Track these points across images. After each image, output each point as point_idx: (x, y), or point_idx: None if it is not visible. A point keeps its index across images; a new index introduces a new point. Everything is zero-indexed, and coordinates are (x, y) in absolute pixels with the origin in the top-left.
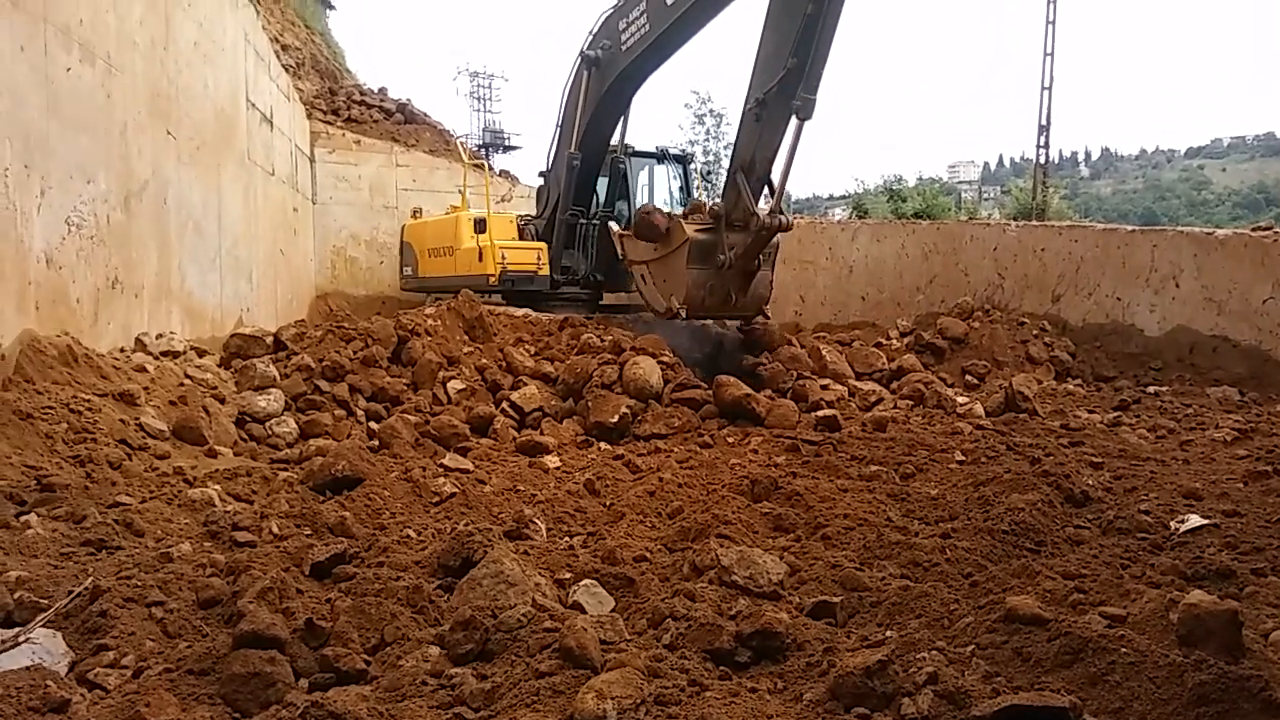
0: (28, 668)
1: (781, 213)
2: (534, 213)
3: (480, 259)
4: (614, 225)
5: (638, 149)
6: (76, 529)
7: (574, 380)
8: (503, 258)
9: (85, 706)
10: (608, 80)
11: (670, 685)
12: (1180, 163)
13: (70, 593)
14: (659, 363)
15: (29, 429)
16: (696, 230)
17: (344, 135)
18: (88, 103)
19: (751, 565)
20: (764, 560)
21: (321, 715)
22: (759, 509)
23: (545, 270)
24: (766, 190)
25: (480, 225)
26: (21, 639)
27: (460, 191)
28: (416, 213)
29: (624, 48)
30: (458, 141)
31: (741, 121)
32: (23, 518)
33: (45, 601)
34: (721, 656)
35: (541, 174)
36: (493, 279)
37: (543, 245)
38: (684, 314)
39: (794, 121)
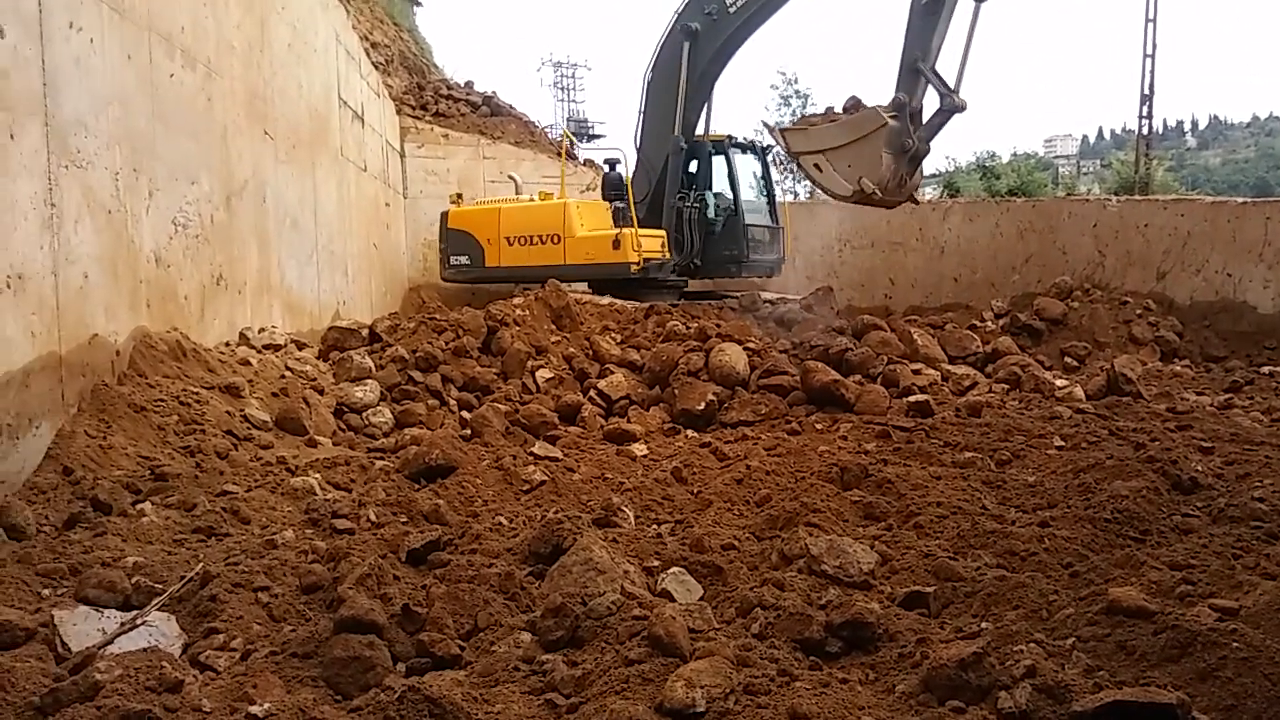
0: (145, 649)
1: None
2: (597, 199)
3: (617, 246)
4: (767, 122)
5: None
6: (188, 517)
7: (660, 368)
8: (639, 245)
9: (197, 687)
10: (707, 52)
11: (760, 675)
12: None
13: (183, 578)
14: (745, 349)
15: (143, 421)
16: (890, 116)
17: (432, 129)
18: (190, 107)
19: (841, 554)
20: (854, 549)
21: (418, 699)
22: (849, 497)
23: (669, 257)
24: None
25: (619, 214)
26: (139, 621)
27: (512, 179)
28: (457, 199)
29: (731, 9)
30: (562, 130)
31: (911, 16)
32: (138, 506)
33: (160, 586)
34: (811, 646)
35: (608, 162)
36: (635, 267)
37: (663, 232)
38: (878, 194)
39: (972, 5)
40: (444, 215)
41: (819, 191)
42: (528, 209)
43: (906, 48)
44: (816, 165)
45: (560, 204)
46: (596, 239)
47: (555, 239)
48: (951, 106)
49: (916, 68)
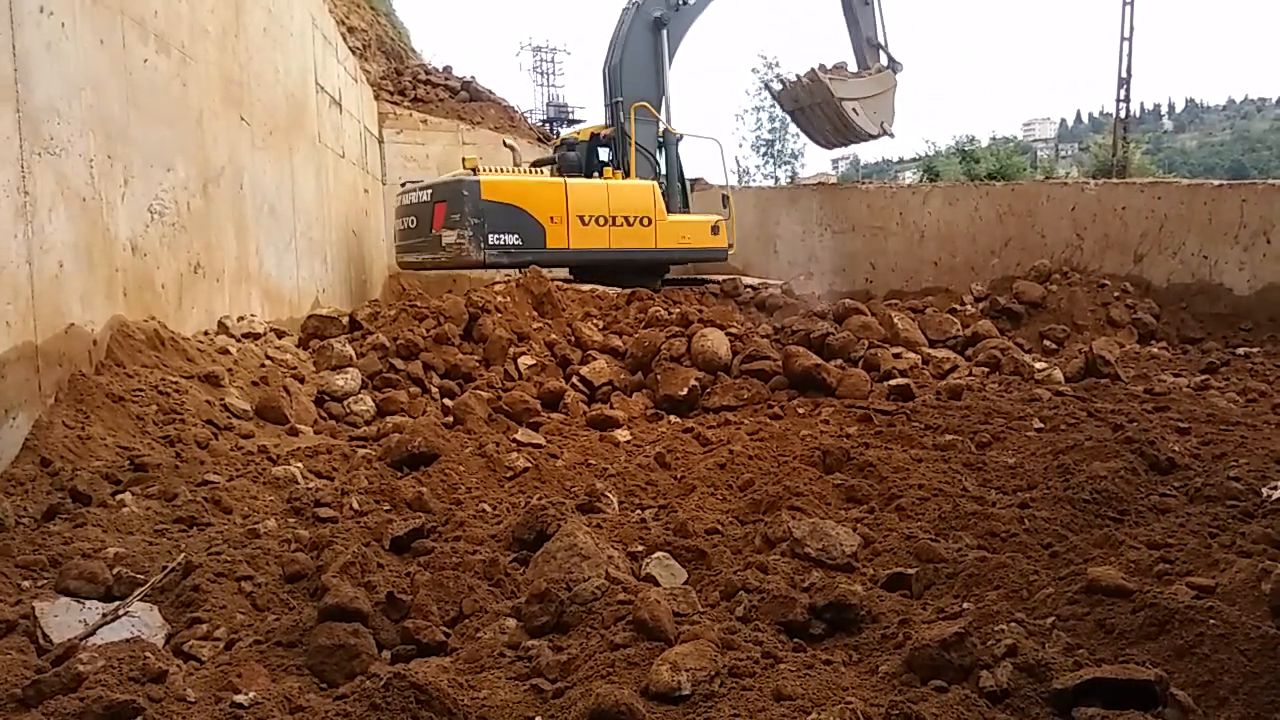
0: (128, 640)
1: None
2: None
3: (716, 232)
4: (814, 67)
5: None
6: (168, 507)
7: (642, 353)
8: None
9: (182, 677)
10: (675, 40)
11: (744, 657)
12: (1271, 111)
13: (165, 568)
14: (727, 334)
15: (121, 411)
16: None
17: (411, 115)
18: (164, 93)
19: (824, 537)
20: (837, 532)
21: (404, 686)
22: (831, 480)
23: None
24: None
25: (725, 200)
26: (121, 612)
27: (510, 148)
28: (475, 166)
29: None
30: (635, 105)
31: (852, 7)
32: (118, 496)
33: (142, 577)
34: (795, 629)
35: (565, 143)
36: (732, 251)
37: None
38: (893, 134)
39: None
40: (470, 185)
41: (800, 175)
42: (607, 187)
43: (858, 30)
44: (855, 109)
45: (649, 185)
46: (694, 224)
47: (646, 221)
48: (899, 69)
49: (875, 44)
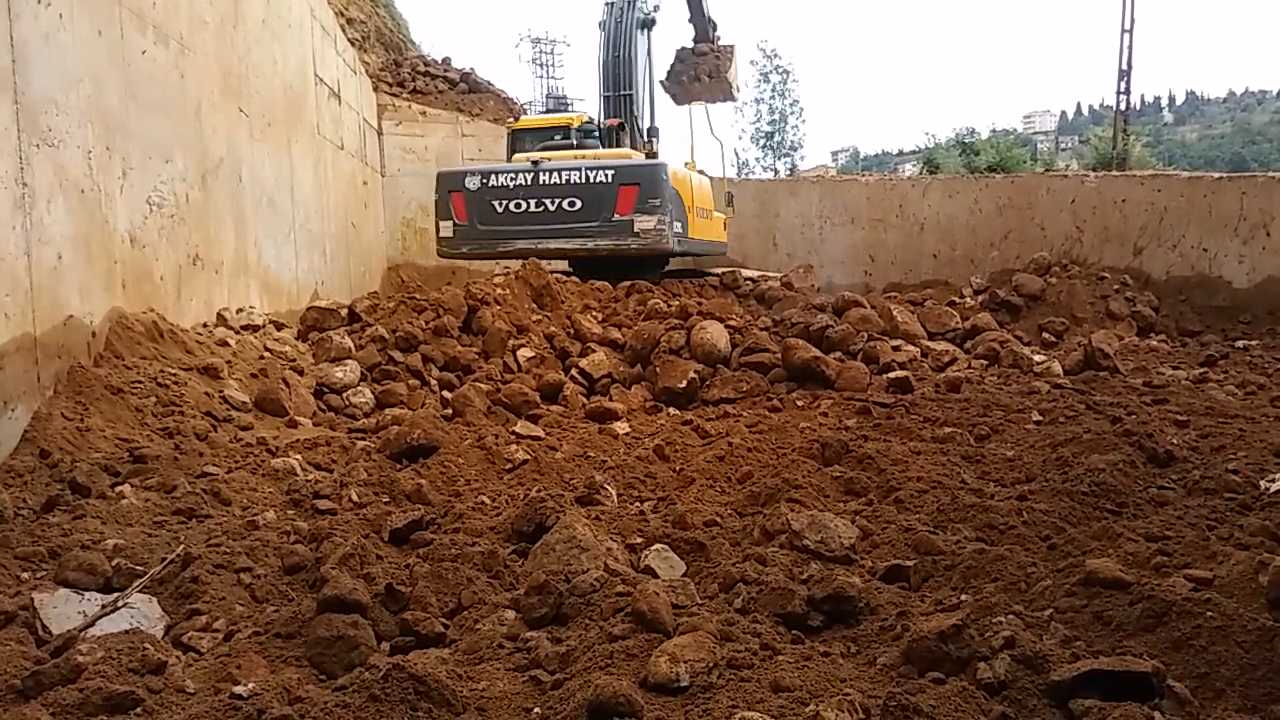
0: (127, 631)
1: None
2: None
3: (726, 227)
4: (690, 50)
5: None
6: (167, 498)
7: (641, 346)
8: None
9: (181, 668)
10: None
11: (742, 649)
12: (1272, 104)
13: (164, 560)
14: (726, 326)
15: (120, 403)
16: None
17: (410, 107)
18: (163, 84)
19: (823, 529)
20: (835, 524)
21: (403, 677)
22: (830, 473)
23: None
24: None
25: (729, 198)
26: (120, 604)
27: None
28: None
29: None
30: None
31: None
32: (117, 488)
33: (141, 568)
34: (793, 620)
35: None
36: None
37: None
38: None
39: None
40: (664, 169)
41: (799, 168)
42: (699, 181)
43: (700, 10)
44: (735, 86)
45: (706, 180)
46: (721, 219)
47: (710, 214)
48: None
49: (711, 19)
